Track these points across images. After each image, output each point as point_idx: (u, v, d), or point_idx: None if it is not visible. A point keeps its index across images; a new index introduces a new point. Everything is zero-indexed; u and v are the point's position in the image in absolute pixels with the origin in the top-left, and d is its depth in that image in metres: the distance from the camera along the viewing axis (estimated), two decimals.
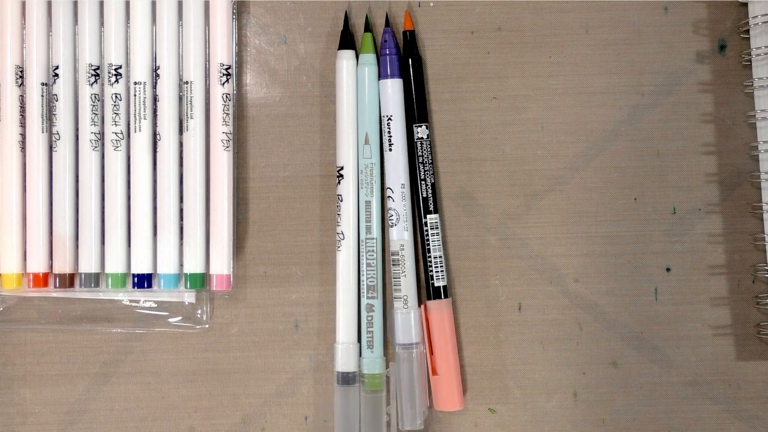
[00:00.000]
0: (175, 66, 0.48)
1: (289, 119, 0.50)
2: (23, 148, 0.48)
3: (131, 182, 0.48)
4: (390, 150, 0.48)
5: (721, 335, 0.49)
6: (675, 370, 0.49)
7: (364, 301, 0.48)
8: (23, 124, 0.48)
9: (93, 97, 0.48)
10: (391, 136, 0.48)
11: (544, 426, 0.49)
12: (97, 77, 0.48)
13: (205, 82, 0.49)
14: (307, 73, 0.50)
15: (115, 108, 0.48)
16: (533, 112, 0.50)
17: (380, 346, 0.48)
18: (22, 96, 0.48)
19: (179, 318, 0.49)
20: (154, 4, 0.48)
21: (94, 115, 0.48)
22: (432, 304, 0.48)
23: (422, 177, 0.49)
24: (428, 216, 0.49)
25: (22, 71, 0.48)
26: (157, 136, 0.48)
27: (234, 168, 0.49)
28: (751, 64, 0.50)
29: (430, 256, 0.48)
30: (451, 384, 0.48)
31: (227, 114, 0.48)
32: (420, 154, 0.49)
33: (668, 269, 0.50)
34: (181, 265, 0.48)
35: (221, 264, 0.48)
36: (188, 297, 0.49)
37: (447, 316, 0.48)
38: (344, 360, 0.48)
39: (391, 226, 0.48)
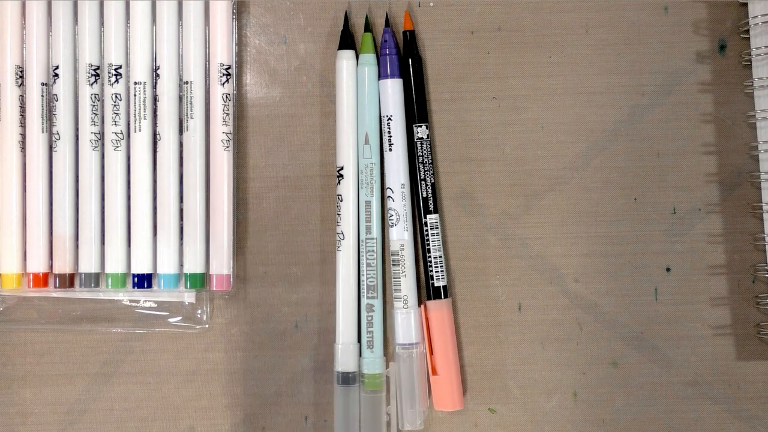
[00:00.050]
0: (175, 66, 0.48)
1: (289, 119, 0.50)
2: (23, 148, 0.48)
3: (131, 182, 0.48)
4: (390, 150, 0.48)
5: (721, 335, 0.49)
6: (675, 370, 0.49)
7: (364, 301, 0.48)
8: (23, 124, 0.48)
9: (93, 97, 0.48)
10: (391, 136, 0.48)
11: (544, 426, 0.49)
12: (97, 77, 0.48)
13: (205, 82, 0.49)
14: (307, 73, 0.50)
15: (115, 108, 0.48)
16: (533, 112, 0.50)
17: (380, 346, 0.48)
18: (22, 96, 0.48)
19: (179, 318, 0.49)
20: (154, 4, 0.48)
21: (94, 115, 0.48)
22: (432, 304, 0.48)
23: (422, 177, 0.49)
24: (428, 216, 0.49)
25: (22, 71, 0.48)
26: (157, 136, 0.48)
27: (234, 168, 0.49)
28: (751, 64, 0.50)
29: (430, 256, 0.48)
30: (451, 384, 0.48)
31: (227, 114, 0.48)
32: (420, 154, 0.49)
33: (668, 269, 0.50)
34: (181, 265, 0.48)
35: (221, 264, 0.48)
36: (188, 297, 0.49)
37: (447, 316, 0.48)
38: (344, 360, 0.48)
39: (391, 226, 0.48)
